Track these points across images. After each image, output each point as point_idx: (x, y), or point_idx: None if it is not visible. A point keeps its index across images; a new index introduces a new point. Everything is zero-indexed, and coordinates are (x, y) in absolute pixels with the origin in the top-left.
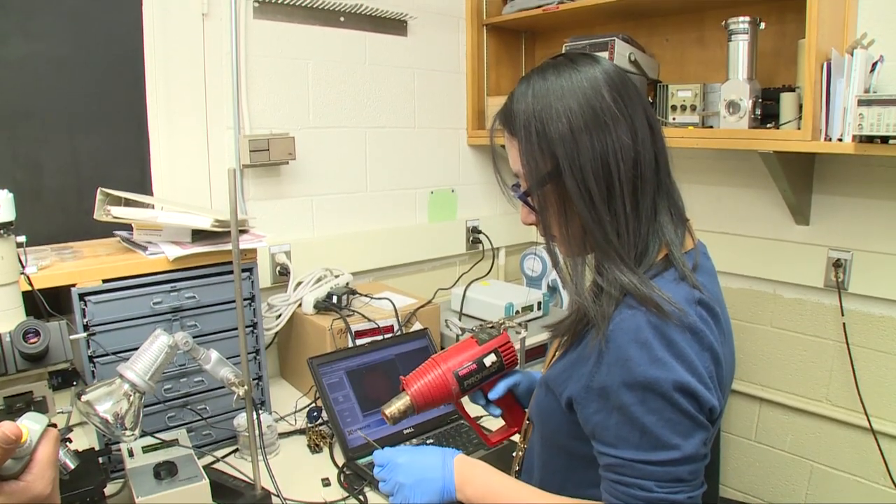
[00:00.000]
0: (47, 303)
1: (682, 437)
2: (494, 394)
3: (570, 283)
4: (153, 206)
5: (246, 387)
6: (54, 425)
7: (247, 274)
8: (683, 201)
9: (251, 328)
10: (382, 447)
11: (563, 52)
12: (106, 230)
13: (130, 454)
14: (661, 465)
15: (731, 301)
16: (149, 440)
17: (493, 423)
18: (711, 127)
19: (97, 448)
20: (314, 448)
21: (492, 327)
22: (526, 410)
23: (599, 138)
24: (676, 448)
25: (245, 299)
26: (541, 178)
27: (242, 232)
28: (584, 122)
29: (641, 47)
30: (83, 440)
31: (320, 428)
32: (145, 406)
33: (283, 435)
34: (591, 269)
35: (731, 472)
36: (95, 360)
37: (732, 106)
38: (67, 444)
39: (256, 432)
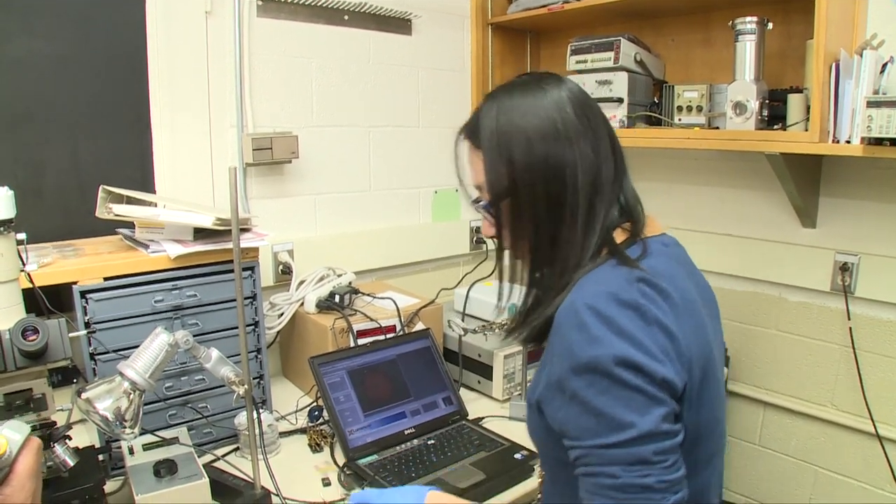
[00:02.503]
0: (49, 300)
1: (637, 414)
2: None
3: (524, 294)
4: (155, 205)
5: (246, 385)
6: (61, 428)
7: (248, 272)
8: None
9: (252, 327)
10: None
11: (529, 71)
12: (109, 228)
13: (131, 452)
14: (621, 447)
15: (736, 303)
16: (149, 438)
17: (497, 425)
18: (717, 128)
19: (98, 445)
20: (315, 447)
21: None
22: None
23: (559, 158)
24: (632, 426)
25: (246, 298)
26: (500, 192)
27: (244, 230)
28: (544, 142)
29: (647, 47)
30: (84, 437)
31: (321, 427)
32: (146, 404)
33: (284, 434)
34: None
35: (734, 475)
36: (96, 357)
37: (739, 107)
38: (67, 441)
39: (257, 431)
